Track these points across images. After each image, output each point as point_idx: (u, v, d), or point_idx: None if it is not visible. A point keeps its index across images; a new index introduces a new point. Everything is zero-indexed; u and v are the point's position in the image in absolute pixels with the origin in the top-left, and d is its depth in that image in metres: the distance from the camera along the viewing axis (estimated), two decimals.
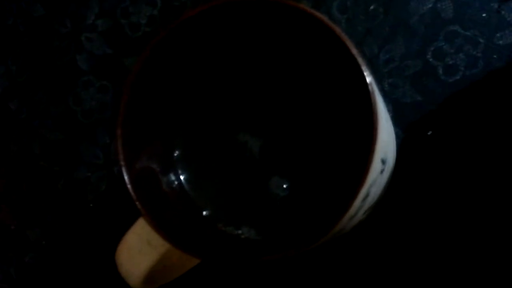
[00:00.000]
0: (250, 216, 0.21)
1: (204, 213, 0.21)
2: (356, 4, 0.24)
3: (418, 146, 0.23)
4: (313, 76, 0.20)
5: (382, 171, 0.17)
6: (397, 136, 0.23)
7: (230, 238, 0.20)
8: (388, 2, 0.24)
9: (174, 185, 0.21)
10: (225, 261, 0.18)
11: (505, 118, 0.22)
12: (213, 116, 0.22)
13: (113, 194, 0.27)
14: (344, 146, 0.20)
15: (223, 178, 0.21)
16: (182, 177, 0.21)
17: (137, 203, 0.18)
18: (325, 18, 0.17)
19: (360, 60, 0.16)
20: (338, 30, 0.17)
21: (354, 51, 0.16)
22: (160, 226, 0.18)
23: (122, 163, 0.18)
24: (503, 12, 0.23)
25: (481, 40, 0.23)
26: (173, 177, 0.21)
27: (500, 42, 0.23)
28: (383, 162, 0.17)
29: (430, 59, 0.24)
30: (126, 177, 0.18)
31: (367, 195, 0.16)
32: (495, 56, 0.23)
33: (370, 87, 0.16)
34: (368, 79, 0.16)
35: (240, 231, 0.20)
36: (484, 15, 0.23)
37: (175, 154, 0.21)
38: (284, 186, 0.21)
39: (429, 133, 0.23)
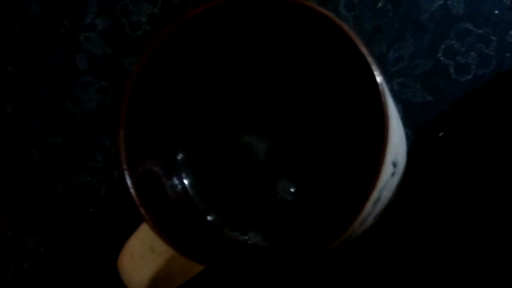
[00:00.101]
0: (257, 221, 0.21)
1: (209, 218, 0.21)
2: (364, 1, 0.24)
3: (429, 148, 0.23)
4: (321, 76, 0.20)
5: (393, 174, 0.17)
6: (407, 138, 0.23)
7: (236, 244, 0.20)
8: None
9: (177, 189, 0.21)
10: (230, 267, 0.18)
11: None
12: (217, 118, 0.22)
13: (114, 198, 0.27)
14: (354, 148, 0.20)
15: (228, 182, 0.21)
16: (186, 181, 0.21)
17: (140, 208, 0.18)
18: (333, 16, 0.17)
19: (370, 59, 0.16)
20: (346, 28, 0.17)
21: (364, 50, 0.16)
22: (164, 232, 0.18)
23: (125, 166, 0.18)
24: None
25: (493, 38, 0.23)
26: (176, 181, 0.21)
27: None
28: (394, 164, 0.17)
29: (441, 58, 0.24)
30: (129, 181, 0.18)
31: (378, 199, 0.16)
32: (508, 55, 0.23)
33: (380, 87, 0.16)
34: (379, 79, 0.16)
35: (246, 237, 0.20)
36: (496, 12, 0.23)
37: (179, 158, 0.21)
38: (292, 190, 0.21)
39: (441, 134, 0.23)
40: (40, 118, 0.29)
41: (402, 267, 0.23)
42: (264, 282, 0.25)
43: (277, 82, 0.21)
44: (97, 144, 0.28)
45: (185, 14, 0.18)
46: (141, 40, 0.27)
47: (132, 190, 0.18)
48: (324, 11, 0.17)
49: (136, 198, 0.18)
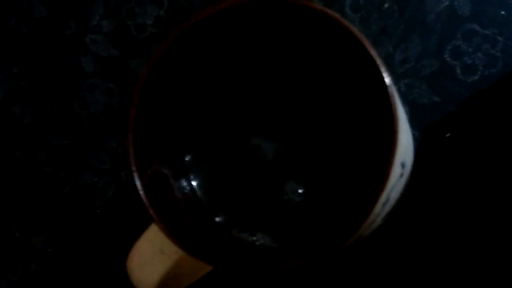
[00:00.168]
0: (265, 222, 0.21)
1: (217, 219, 0.21)
2: (370, 2, 0.25)
3: (436, 149, 0.23)
4: (329, 78, 0.20)
5: (401, 175, 0.17)
6: (415, 139, 0.23)
7: (244, 245, 0.20)
8: None
9: (186, 191, 0.21)
10: (239, 268, 0.18)
11: None
12: (225, 120, 0.22)
13: (121, 199, 0.27)
14: (362, 150, 0.20)
15: (236, 183, 0.21)
16: (194, 183, 0.21)
17: (149, 209, 0.18)
18: (340, 17, 0.17)
19: (378, 61, 0.16)
20: (355, 30, 0.17)
21: (373, 52, 0.16)
22: (173, 233, 0.18)
23: (134, 168, 0.18)
24: None
25: (500, 39, 0.23)
26: (185, 183, 0.21)
27: None
28: (403, 165, 0.17)
29: (448, 59, 0.24)
30: (138, 183, 0.18)
31: (387, 200, 0.16)
32: None
33: (389, 89, 0.16)
34: (387, 80, 0.16)
35: (254, 238, 0.20)
36: (503, 12, 0.23)
37: (187, 159, 0.22)
38: (300, 191, 0.21)
39: (448, 135, 0.23)
40: (46, 120, 0.29)
41: (409, 267, 0.23)
42: (272, 283, 0.25)
43: (284, 84, 0.21)
44: (103, 145, 0.28)
45: (192, 17, 0.18)
46: (147, 42, 0.28)
47: (141, 192, 0.18)
48: (332, 12, 0.17)
49: (145, 200, 0.18)
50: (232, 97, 0.22)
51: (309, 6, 0.17)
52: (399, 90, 0.24)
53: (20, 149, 0.29)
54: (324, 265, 0.24)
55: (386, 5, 0.24)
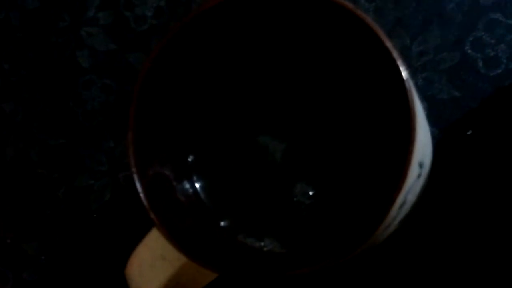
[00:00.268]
0: (273, 226, 0.21)
1: (222, 223, 0.21)
2: None
3: (456, 148, 0.23)
4: (341, 72, 0.21)
5: (419, 176, 0.17)
6: (433, 137, 0.23)
7: (251, 251, 0.20)
8: None
9: (189, 193, 0.21)
10: (245, 276, 0.18)
11: None
12: (230, 118, 0.22)
13: (119, 203, 0.28)
14: (376, 149, 0.20)
15: (242, 186, 0.21)
16: (197, 185, 0.22)
17: (150, 213, 0.18)
18: (354, 7, 0.17)
19: (395, 53, 0.16)
20: (369, 20, 0.17)
21: (389, 43, 0.16)
22: (175, 238, 0.18)
23: (134, 170, 0.18)
24: None
25: None
26: (187, 185, 0.21)
27: None
28: (421, 165, 0.17)
29: (469, 51, 0.24)
30: (138, 185, 0.18)
31: (403, 203, 0.17)
32: None
33: (407, 84, 0.16)
34: (404, 74, 0.16)
35: (262, 243, 0.21)
36: None
37: (189, 160, 0.22)
38: (310, 193, 0.21)
39: (469, 132, 0.23)
40: (40, 119, 0.29)
41: (427, 275, 0.23)
42: None
43: (293, 79, 0.21)
44: (100, 145, 0.28)
45: (194, 9, 0.19)
46: (147, 35, 0.28)
47: (141, 194, 0.18)
48: (345, 2, 0.17)
49: (146, 203, 0.18)
50: (238, 93, 0.22)
51: None
52: (416, 85, 0.24)
53: (12, 150, 0.29)
54: (335, 272, 0.24)
55: None
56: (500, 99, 0.23)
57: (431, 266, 0.23)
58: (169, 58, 0.19)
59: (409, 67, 0.24)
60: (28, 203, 0.29)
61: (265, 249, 0.20)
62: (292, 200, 0.21)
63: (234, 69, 0.21)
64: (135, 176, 0.18)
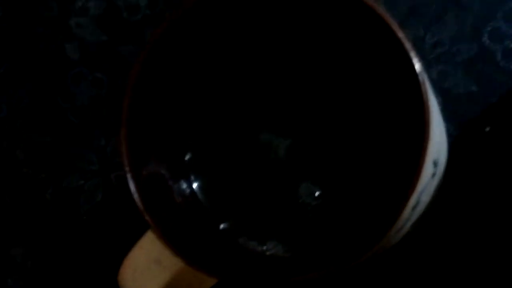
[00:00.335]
0: (277, 229, 0.21)
1: (222, 226, 0.21)
2: None
3: (473, 145, 0.23)
4: (350, 65, 0.21)
5: (433, 175, 0.18)
6: (449, 134, 0.23)
7: (253, 255, 0.20)
8: None
9: (186, 194, 0.21)
10: (246, 282, 0.18)
11: None
12: (230, 113, 0.22)
13: (111, 204, 0.28)
14: (388, 146, 0.20)
15: (243, 185, 0.22)
16: (195, 184, 0.22)
17: (145, 215, 0.18)
18: None
19: (407, 45, 0.16)
20: (380, 10, 0.17)
21: (401, 34, 0.17)
22: (171, 242, 0.18)
23: (127, 169, 0.19)
24: None
25: None
26: (184, 185, 0.21)
27: None
28: (435, 164, 0.17)
29: (487, 42, 0.24)
30: (132, 185, 0.18)
31: (417, 204, 0.17)
32: None
33: (420, 77, 0.16)
34: (418, 67, 0.16)
35: (264, 247, 0.21)
36: None
37: (187, 158, 0.22)
38: (316, 193, 0.21)
39: (487, 129, 0.23)
40: (25, 115, 0.29)
41: (440, 280, 0.23)
42: None
43: (298, 71, 0.21)
44: (91, 143, 0.28)
45: None
46: (140, 26, 0.28)
47: (135, 195, 0.18)
48: None
49: (140, 204, 0.18)
50: (238, 86, 0.22)
51: None
52: (430, 78, 0.24)
53: None
54: (343, 279, 0.24)
55: None
56: None
57: (445, 272, 0.23)
58: (166, 49, 0.19)
59: (422, 60, 0.24)
60: (13, 205, 0.29)
61: (267, 253, 0.21)
62: (297, 201, 0.21)
63: (235, 62, 0.22)
64: (129, 176, 0.19)
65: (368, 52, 0.20)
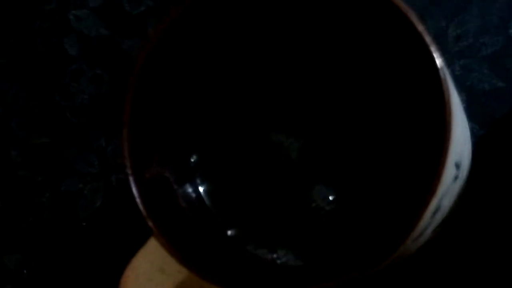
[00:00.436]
0: (288, 236, 0.21)
1: (229, 232, 0.21)
2: None
3: (500, 146, 0.23)
4: (366, 60, 0.21)
5: (455, 178, 0.18)
6: (473, 133, 0.23)
7: (263, 263, 0.21)
8: None
9: (191, 198, 0.21)
10: None
11: None
12: (239, 112, 0.22)
13: (112, 210, 0.28)
14: (406, 147, 0.20)
15: (252, 189, 0.22)
16: (201, 188, 0.22)
17: (148, 220, 0.18)
18: None
19: (428, 39, 0.17)
20: (398, 0, 0.17)
21: (420, 27, 0.17)
22: (176, 249, 0.18)
23: (129, 171, 0.19)
24: None
25: None
26: (190, 188, 0.22)
27: None
28: (457, 166, 0.17)
29: None
30: (134, 189, 0.19)
31: (437, 209, 0.17)
32: None
33: (441, 73, 0.16)
34: (439, 62, 0.16)
35: (275, 255, 0.21)
36: None
37: (192, 160, 0.22)
38: (330, 197, 0.21)
39: None
40: (21, 115, 0.29)
41: None
42: None
43: (310, 68, 0.22)
44: (90, 144, 0.28)
45: None
46: (143, 18, 0.28)
47: (138, 199, 0.19)
48: None
49: (143, 209, 0.19)
50: (247, 85, 0.22)
51: None
52: (453, 74, 0.24)
53: None
54: (357, 287, 0.24)
55: None
56: None
57: (471, 281, 0.23)
58: (171, 45, 0.20)
59: (444, 54, 0.24)
60: (8, 210, 0.29)
61: (278, 261, 0.21)
62: (309, 206, 0.21)
63: (244, 59, 0.22)
64: (131, 179, 0.19)
65: (385, 47, 0.20)
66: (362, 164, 0.21)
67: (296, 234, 0.21)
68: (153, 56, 0.19)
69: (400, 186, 0.20)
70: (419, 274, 0.24)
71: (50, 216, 0.29)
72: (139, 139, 0.19)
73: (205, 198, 0.22)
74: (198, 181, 0.22)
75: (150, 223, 0.18)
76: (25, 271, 0.29)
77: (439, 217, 0.18)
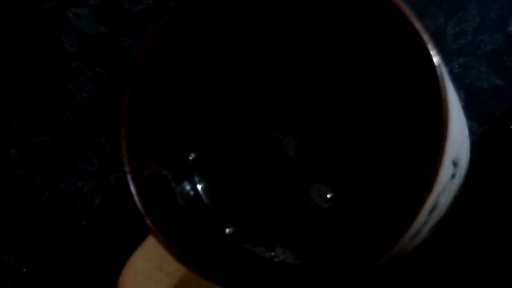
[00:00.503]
0: (286, 233, 0.21)
1: (227, 230, 0.22)
2: None
3: (498, 144, 0.23)
4: (362, 59, 0.21)
5: (453, 176, 0.18)
6: (471, 132, 0.23)
7: (261, 261, 0.21)
8: None
9: (189, 196, 0.22)
10: None
11: None
12: (236, 110, 0.22)
13: (111, 208, 0.28)
14: (403, 145, 0.20)
15: (250, 187, 0.22)
16: (199, 186, 0.22)
17: (146, 218, 0.19)
18: None
19: (425, 36, 0.17)
20: None
21: (418, 25, 0.17)
22: (175, 247, 0.18)
23: (127, 169, 0.19)
24: None
25: None
26: (188, 186, 0.22)
27: None
28: (455, 164, 0.18)
29: None
30: (132, 187, 0.19)
31: (434, 207, 0.17)
32: None
33: (438, 70, 0.16)
34: (436, 59, 0.17)
35: (273, 253, 0.21)
36: None
37: (191, 158, 0.22)
38: (328, 195, 0.21)
39: None
40: (21, 113, 0.30)
41: None
42: None
43: (306, 66, 0.22)
44: (89, 143, 0.28)
45: None
46: (143, 16, 0.28)
47: (136, 197, 0.19)
48: None
49: (141, 207, 0.19)
50: (245, 83, 0.22)
51: None
52: (451, 72, 0.24)
53: None
54: (356, 286, 0.24)
55: None
56: None
57: (468, 281, 0.23)
58: (170, 43, 0.20)
59: (443, 52, 0.24)
60: (7, 209, 0.29)
61: (276, 259, 0.21)
62: (308, 204, 0.21)
63: (242, 57, 0.22)
64: (129, 177, 0.19)
65: (383, 45, 0.20)
66: (360, 162, 0.21)
67: (294, 232, 0.21)
68: (152, 53, 0.19)
69: (398, 183, 0.20)
70: (417, 273, 0.24)
71: (50, 214, 0.29)
72: (137, 137, 0.19)
73: (203, 196, 0.22)
74: (196, 179, 0.22)
75: (148, 221, 0.19)
76: (24, 270, 0.29)
77: (436, 215, 0.18)
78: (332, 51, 0.21)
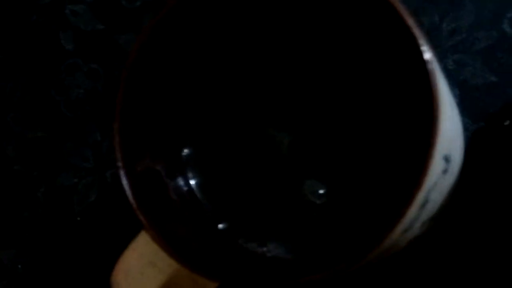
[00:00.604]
0: (278, 229, 0.21)
1: (221, 226, 0.22)
2: None
3: (492, 140, 0.23)
4: (354, 55, 0.21)
5: (445, 171, 0.18)
6: (465, 128, 0.23)
7: (253, 257, 0.21)
8: None
9: (183, 192, 0.22)
10: (246, 285, 0.19)
11: None
12: (230, 106, 0.22)
13: (106, 204, 0.28)
14: (395, 141, 0.20)
15: (243, 183, 0.22)
16: (192, 182, 0.22)
17: (138, 213, 0.19)
18: None
19: (416, 32, 0.17)
20: None
21: (410, 21, 0.17)
22: (167, 242, 0.19)
23: (120, 164, 0.19)
24: None
25: None
26: (181, 182, 0.22)
27: None
28: (447, 160, 0.18)
29: (507, 30, 0.24)
30: (124, 182, 0.19)
31: (425, 202, 0.17)
32: None
33: (429, 66, 0.17)
34: (426, 55, 0.17)
35: (265, 248, 0.21)
36: None
37: (184, 153, 0.22)
38: (321, 191, 0.21)
39: (507, 123, 0.23)
40: (17, 109, 0.30)
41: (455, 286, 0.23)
42: None
43: (299, 63, 0.22)
44: (85, 139, 0.29)
45: None
46: (139, 13, 0.28)
47: (128, 192, 0.19)
48: None
49: (133, 202, 0.19)
50: (239, 79, 0.22)
51: None
52: (446, 68, 0.24)
53: None
54: (347, 281, 0.24)
55: None
56: None
57: (463, 278, 0.24)
58: (164, 39, 0.20)
59: (438, 48, 0.25)
60: (2, 205, 0.29)
61: (268, 254, 0.21)
62: (301, 200, 0.21)
63: (237, 54, 0.22)
64: (121, 172, 0.19)
65: (374, 42, 0.20)
66: (352, 158, 0.21)
67: (286, 227, 0.21)
68: (147, 48, 0.19)
69: (389, 179, 0.20)
70: (411, 270, 0.24)
71: (45, 210, 0.29)
72: (130, 132, 0.20)
73: (197, 192, 0.22)
74: (190, 174, 0.22)
75: (141, 216, 0.19)
76: (19, 266, 0.29)
77: (428, 210, 0.18)
78: (324, 46, 0.21)
